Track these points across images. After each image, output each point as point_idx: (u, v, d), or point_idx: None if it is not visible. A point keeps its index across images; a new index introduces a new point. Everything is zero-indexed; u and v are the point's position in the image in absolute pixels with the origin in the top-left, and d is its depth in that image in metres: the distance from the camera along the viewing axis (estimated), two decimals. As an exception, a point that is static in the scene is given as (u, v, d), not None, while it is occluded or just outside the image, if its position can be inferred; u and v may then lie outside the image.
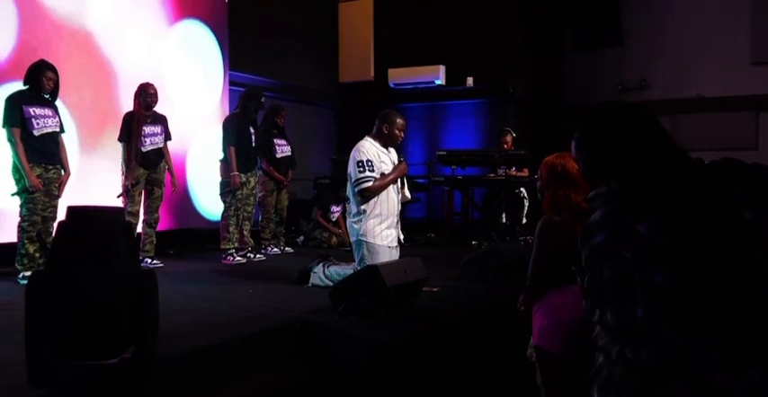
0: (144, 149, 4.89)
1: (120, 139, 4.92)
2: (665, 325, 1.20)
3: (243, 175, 5.27)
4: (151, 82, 5.05)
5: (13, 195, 4.20)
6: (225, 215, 5.27)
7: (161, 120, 5.10)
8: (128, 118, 4.93)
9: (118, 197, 4.84)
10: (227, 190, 5.24)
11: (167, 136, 5.13)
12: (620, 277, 1.24)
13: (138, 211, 4.93)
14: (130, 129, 4.87)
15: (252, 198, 5.46)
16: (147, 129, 4.93)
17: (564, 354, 2.09)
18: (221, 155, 5.30)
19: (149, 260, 4.96)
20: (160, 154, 5.04)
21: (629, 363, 1.23)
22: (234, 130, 5.27)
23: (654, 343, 1.21)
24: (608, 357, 1.29)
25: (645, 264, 1.23)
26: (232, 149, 5.21)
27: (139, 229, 5.00)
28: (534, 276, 2.26)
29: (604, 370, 1.30)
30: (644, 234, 1.23)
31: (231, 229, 5.24)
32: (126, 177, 4.84)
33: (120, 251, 1.97)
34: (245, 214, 5.38)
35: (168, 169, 5.12)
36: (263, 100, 5.49)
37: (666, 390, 1.19)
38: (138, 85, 5.02)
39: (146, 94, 4.93)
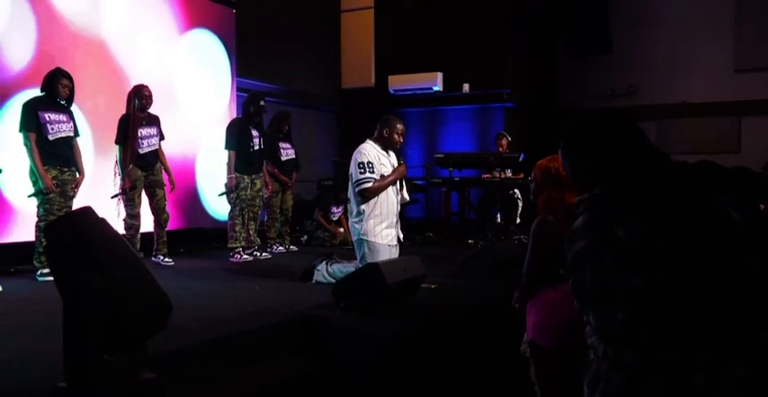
0: (141, 151, 4.79)
1: (116, 142, 4.78)
2: (645, 328, 1.19)
3: (246, 177, 5.26)
4: (157, 86, 4.95)
5: (29, 196, 4.20)
6: (231, 215, 5.27)
7: (155, 121, 4.98)
8: (123, 120, 4.80)
9: (112, 198, 4.71)
10: (226, 192, 5.26)
11: (161, 137, 5.03)
12: (601, 281, 1.23)
13: (139, 213, 4.82)
14: (126, 132, 4.75)
15: (258, 200, 5.44)
16: (144, 131, 4.82)
17: (557, 349, 2.08)
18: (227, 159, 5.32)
19: (162, 258, 4.94)
20: (156, 155, 4.94)
21: (614, 361, 1.23)
22: (234, 134, 5.26)
23: (633, 345, 1.19)
24: (596, 354, 1.28)
25: (625, 268, 1.21)
26: (232, 153, 5.22)
27: (150, 229, 4.96)
28: (529, 274, 2.24)
29: (593, 365, 1.29)
30: (624, 239, 1.22)
31: (238, 229, 5.23)
32: (123, 179, 4.72)
33: (103, 248, 1.90)
34: (251, 214, 5.37)
35: (165, 169, 5.03)
36: (262, 104, 5.40)
37: (650, 390, 1.18)
38: (132, 87, 4.89)
39: (140, 96, 4.80)
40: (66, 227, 1.94)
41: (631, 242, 1.22)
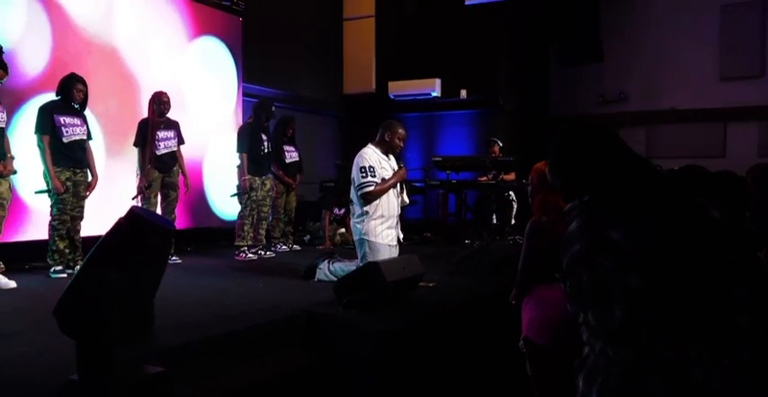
0: (158, 152, 4.86)
1: (135, 144, 4.88)
2: (642, 326, 1.19)
3: (257, 178, 5.30)
4: (166, 91, 5.01)
5: (36, 192, 4.24)
6: (241, 214, 5.30)
7: (174, 126, 5.06)
8: (142, 124, 4.90)
9: (133, 198, 4.79)
10: (239, 193, 5.28)
11: (180, 141, 5.08)
12: (598, 281, 1.24)
13: (155, 213, 4.92)
14: (145, 135, 4.84)
15: (268, 200, 5.48)
16: (161, 134, 4.90)
17: (551, 345, 2.08)
18: (239, 162, 5.34)
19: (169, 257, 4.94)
20: (174, 158, 5.01)
21: (612, 358, 1.23)
22: (246, 138, 5.30)
23: (633, 343, 1.20)
24: (592, 350, 1.28)
25: (621, 268, 1.22)
26: (244, 155, 5.26)
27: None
28: (524, 272, 2.25)
29: (589, 361, 1.29)
30: (618, 241, 1.23)
31: (246, 228, 5.25)
32: (140, 179, 4.81)
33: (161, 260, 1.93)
34: (261, 214, 5.39)
35: (182, 172, 5.10)
36: (273, 109, 5.52)
37: (648, 385, 1.18)
38: (152, 93, 4.99)
39: (159, 102, 4.91)
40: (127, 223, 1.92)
41: (626, 243, 1.23)
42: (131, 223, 1.85)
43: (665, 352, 1.18)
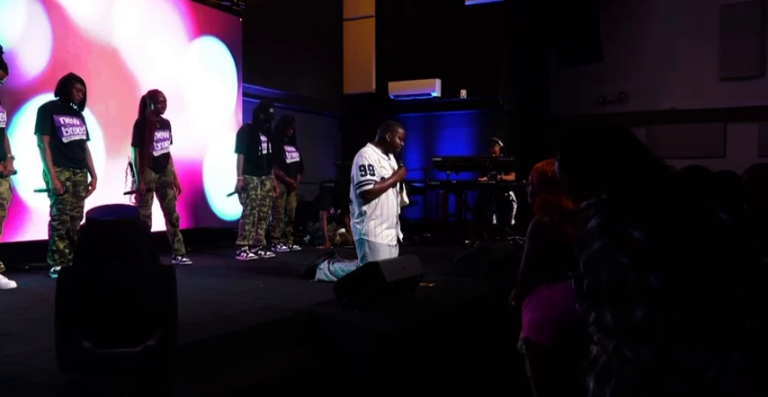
0: (155, 154, 4.78)
1: (133, 144, 4.76)
2: (659, 325, 1.19)
3: (255, 178, 5.30)
4: (167, 91, 4.95)
5: (35, 191, 4.26)
6: (243, 214, 5.32)
7: (168, 126, 4.98)
8: (140, 123, 4.77)
9: (125, 194, 4.73)
10: (234, 192, 5.34)
11: (171, 141, 5.01)
12: (618, 281, 1.23)
13: (151, 214, 4.80)
14: (143, 135, 4.72)
15: (268, 200, 5.47)
16: (158, 135, 4.82)
17: (551, 345, 2.08)
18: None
19: (180, 258, 4.91)
20: (167, 158, 4.94)
21: (628, 357, 1.22)
22: (243, 139, 5.33)
23: (652, 342, 1.20)
24: (605, 350, 1.27)
25: (642, 267, 1.21)
26: (240, 156, 5.30)
27: (162, 228, 4.95)
28: (525, 272, 2.24)
29: (601, 361, 1.28)
30: (640, 240, 1.23)
31: (247, 228, 5.26)
32: (139, 181, 4.71)
33: (140, 247, 1.96)
34: (261, 214, 5.40)
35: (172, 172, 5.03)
36: (271, 110, 5.50)
37: (664, 385, 1.19)
38: (146, 92, 4.89)
39: (156, 101, 4.78)
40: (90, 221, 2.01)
41: (646, 242, 1.22)
42: (87, 222, 1.99)
43: (680, 352, 1.18)
